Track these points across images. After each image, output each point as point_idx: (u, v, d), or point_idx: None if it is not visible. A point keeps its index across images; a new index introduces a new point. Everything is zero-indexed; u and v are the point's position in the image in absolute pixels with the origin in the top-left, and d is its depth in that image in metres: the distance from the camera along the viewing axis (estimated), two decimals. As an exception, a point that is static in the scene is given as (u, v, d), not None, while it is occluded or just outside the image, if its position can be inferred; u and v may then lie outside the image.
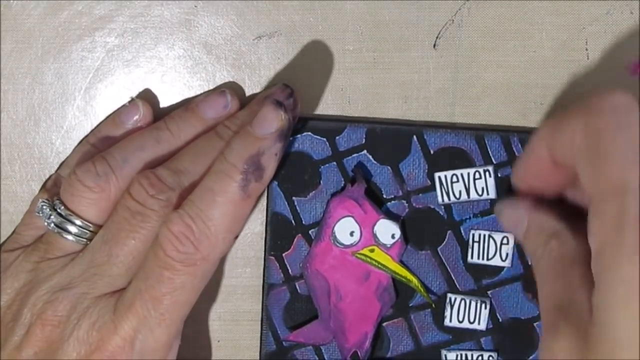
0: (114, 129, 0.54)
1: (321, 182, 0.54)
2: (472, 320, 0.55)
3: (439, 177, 0.54)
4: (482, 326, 0.55)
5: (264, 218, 0.55)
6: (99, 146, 0.54)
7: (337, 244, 0.54)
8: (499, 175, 0.54)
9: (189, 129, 0.52)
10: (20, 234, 0.53)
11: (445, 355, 0.55)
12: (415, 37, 0.54)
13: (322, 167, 0.54)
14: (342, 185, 0.54)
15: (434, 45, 0.55)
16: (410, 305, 0.55)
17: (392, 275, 0.54)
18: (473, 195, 0.54)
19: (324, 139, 0.54)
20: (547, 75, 0.55)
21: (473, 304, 0.54)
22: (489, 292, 0.55)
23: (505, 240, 0.54)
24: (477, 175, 0.54)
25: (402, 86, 0.55)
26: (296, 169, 0.54)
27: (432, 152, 0.54)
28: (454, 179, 0.54)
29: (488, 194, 0.54)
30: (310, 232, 0.54)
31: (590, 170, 0.42)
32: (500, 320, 0.55)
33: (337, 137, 0.54)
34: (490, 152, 0.54)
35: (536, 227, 0.49)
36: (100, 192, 0.50)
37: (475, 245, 0.54)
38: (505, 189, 0.54)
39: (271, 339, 0.55)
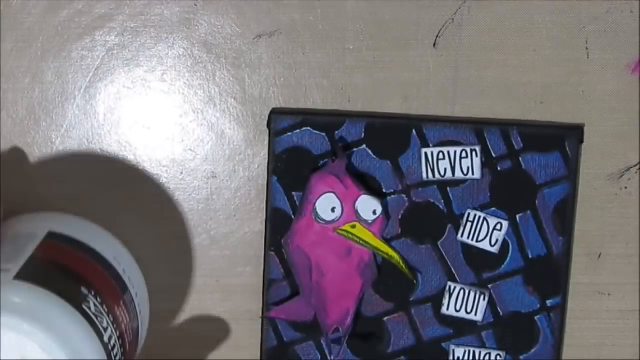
0: None
1: (321, 177, 0.54)
2: (469, 310, 0.54)
3: (425, 153, 0.54)
4: (479, 317, 0.54)
5: (264, 217, 0.55)
6: None
7: (319, 220, 0.53)
8: (498, 169, 0.54)
9: None
10: None
11: (454, 350, 0.55)
12: (416, 36, 0.55)
13: (321, 162, 0.54)
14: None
15: (434, 44, 0.55)
16: (411, 299, 0.55)
17: (374, 251, 0.54)
18: (458, 174, 0.54)
19: (323, 134, 0.54)
20: (547, 74, 0.55)
21: (472, 294, 0.54)
22: (489, 286, 0.55)
23: (498, 227, 0.54)
24: (463, 154, 0.54)
25: (402, 85, 0.55)
26: (295, 164, 0.54)
27: (431, 146, 0.54)
28: (441, 155, 0.54)
29: (473, 174, 0.54)
30: (310, 227, 0.54)
31: None
32: (501, 314, 0.55)
33: (336, 132, 0.54)
34: (489, 145, 0.54)
35: None
36: None
37: (469, 224, 0.54)
38: (502, 183, 0.54)
39: (272, 334, 0.55)
